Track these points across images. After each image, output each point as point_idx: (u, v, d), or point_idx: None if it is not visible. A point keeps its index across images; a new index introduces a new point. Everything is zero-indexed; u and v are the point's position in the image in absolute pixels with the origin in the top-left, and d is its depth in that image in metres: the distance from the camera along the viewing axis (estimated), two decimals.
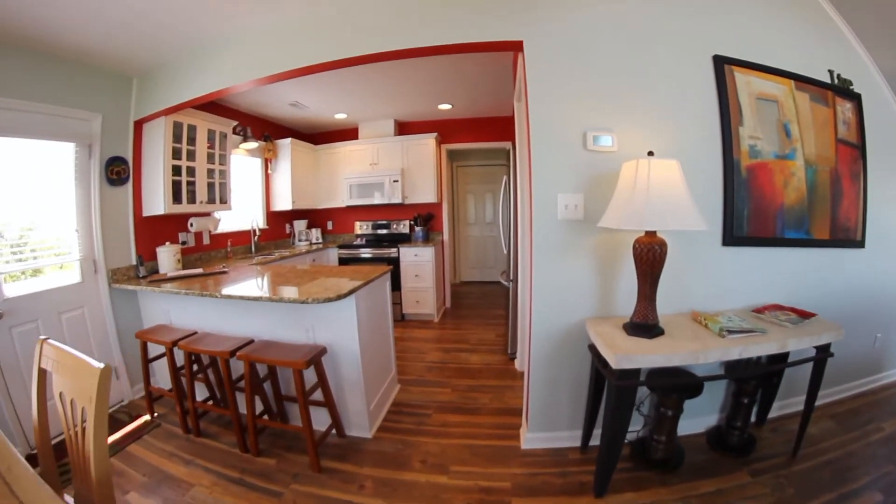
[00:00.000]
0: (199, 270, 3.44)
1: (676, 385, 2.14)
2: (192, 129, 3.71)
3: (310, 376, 2.45)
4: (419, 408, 2.98)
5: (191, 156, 3.73)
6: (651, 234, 1.92)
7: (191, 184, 3.75)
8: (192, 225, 3.98)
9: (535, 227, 2.16)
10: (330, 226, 6.26)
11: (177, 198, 3.63)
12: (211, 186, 3.96)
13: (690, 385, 2.14)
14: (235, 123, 4.21)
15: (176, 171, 3.60)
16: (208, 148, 3.92)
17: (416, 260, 5.03)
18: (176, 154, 3.59)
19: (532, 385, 2.39)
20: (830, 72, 2.54)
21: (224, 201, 4.11)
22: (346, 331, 2.44)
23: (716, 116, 2.25)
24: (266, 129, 5.26)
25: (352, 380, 2.54)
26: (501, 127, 5.58)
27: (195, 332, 2.82)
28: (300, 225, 5.72)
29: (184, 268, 3.76)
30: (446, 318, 5.30)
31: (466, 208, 7.72)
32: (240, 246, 4.78)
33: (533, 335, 2.28)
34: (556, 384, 2.39)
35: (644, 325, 1.98)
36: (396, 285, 5.12)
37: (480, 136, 5.66)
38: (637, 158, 1.84)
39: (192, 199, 3.75)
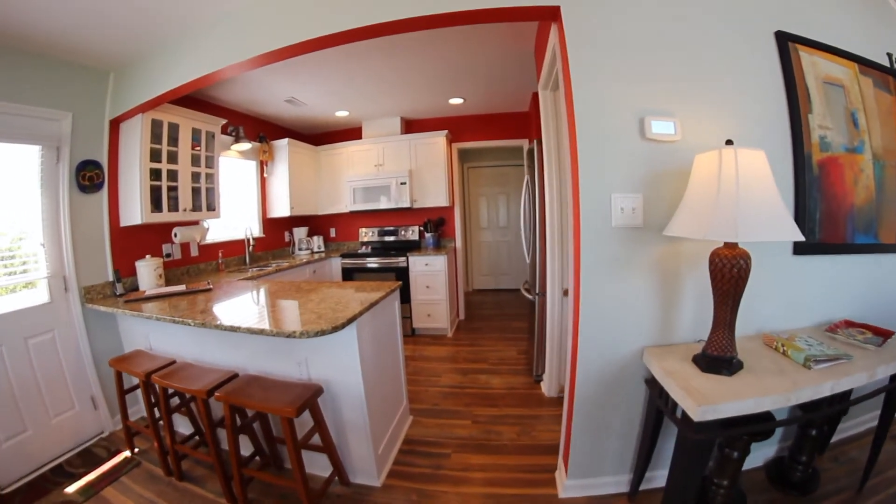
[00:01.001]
0: (182, 288, 3.09)
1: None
2: (173, 127, 3.39)
3: (305, 418, 2.09)
4: (435, 446, 2.60)
5: (172, 158, 3.41)
6: (732, 246, 1.53)
7: (172, 189, 3.43)
8: (175, 235, 3.66)
9: (583, 238, 1.77)
10: (333, 233, 5.91)
11: (156, 205, 3.31)
12: (196, 192, 3.64)
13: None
14: (224, 122, 3.88)
15: (155, 175, 3.29)
16: (193, 149, 3.59)
17: (427, 270, 4.67)
18: (155, 156, 3.28)
19: (575, 426, 2.01)
20: (889, 55, 2.17)
21: (212, 208, 3.78)
22: (346, 365, 2.07)
23: (782, 102, 1.87)
24: (261, 130, 4.94)
25: (355, 423, 2.16)
26: (517, 123, 5.22)
27: (173, 362, 2.48)
28: (300, 233, 5.38)
29: (167, 283, 3.46)
30: (461, 331, 4.92)
31: (479, 212, 7.34)
32: (233, 257, 4.45)
33: (578, 368, 1.89)
34: (604, 424, 2.01)
35: (722, 360, 1.60)
36: (406, 297, 4.76)
37: (494, 133, 5.29)
38: (717, 149, 1.45)
39: (174, 207, 3.43)
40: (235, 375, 2.21)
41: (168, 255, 3.74)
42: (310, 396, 1.88)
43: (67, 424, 2.78)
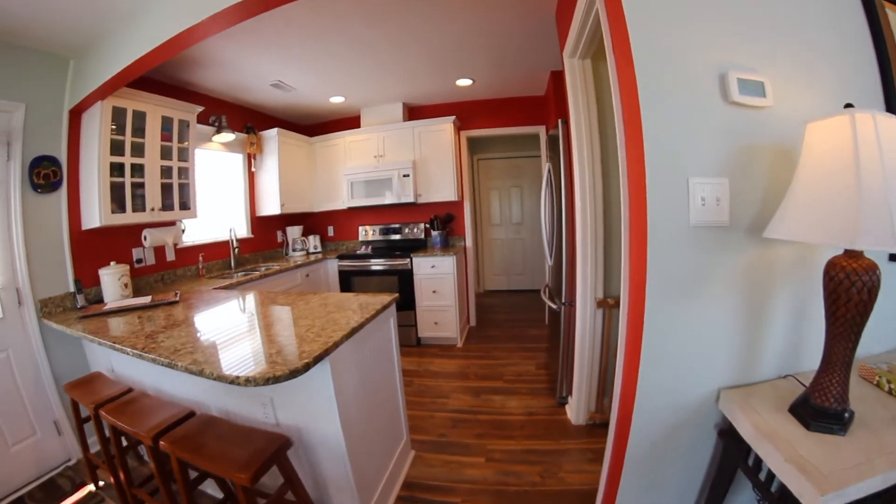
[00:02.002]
0: (146, 300, 2.73)
1: None
2: (139, 116, 3.03)
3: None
4: (441, 492, 2.19)
5: (138, 150, 3.05)
6: (855, 254, 1.09)
7: (138, 186, 3.07)
8: (145, 238, 3.30)
9: (651, 242, 1.31)
10: (331, 232, 5.52)
11: (119, 205, 2.97)
12: (167, 189, 3.27)
13: None
14: (201, 109, 3.49)
15: (117, 170, 2.93)
16: (163, 140, 3.22)
17: (434, 273, 4.25)
18: (117, 149, 2.93)
19: (624, 480, 1.58)
20: None
21: (186, 207, 3.41)
22: (320, 410, 1.65)
23: (872, 65, 1.40)
24: (249, 120, 4.55)
25: (337, 476, 1.74)
26: (532, 108, 4.76)
27: (130, 390, 2.13)
28: (294, 232, 5.00)
29: (135, 293, 3.12)
30: (472, 341, 4.50)
31: (490, 207, 6.91)
32: (216, 261, 4.07)
33: (635, 412, 1.45)
34: (659, 481, 1.58)
35: (833, 412, 1.16)
36: (410, 303, 4.35)
37: (507, 119, 4.84)
38: (847, 113, 1.01)
39: (139, 206, 3.08)
40: (192, 414, 1.82)
41: (139, 261, 3.40)
42: (274, 452, 1.47)
43: (28, 453, 2.54)
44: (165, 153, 3.25)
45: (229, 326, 1.97)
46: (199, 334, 1.89)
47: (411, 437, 2.59)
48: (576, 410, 2.72)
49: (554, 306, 2.82)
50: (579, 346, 2.56)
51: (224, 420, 1.76)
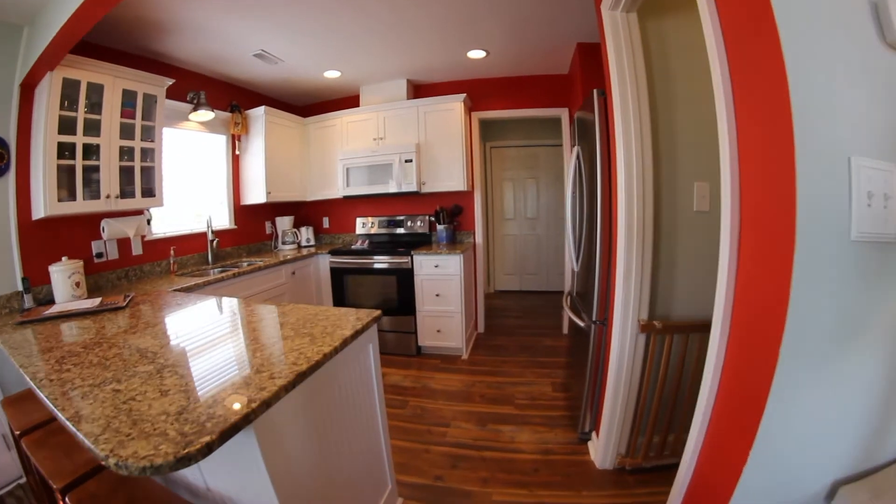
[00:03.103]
0: (93, 303, 2.33)
1: None
2: (95, 89, 2.63)
3: None
4: None
5: (93, 129, 2.65)
6: None
7: (92, 170, 2.68)
8: (104, 230, 2.90)
9: (798, 269, 0.80)
10: (326, 223, 5.07)
11: (69, 192, 2.60)
12: (127, 172, 2.85)
13: None
14: (171, 81, 3.05)
15: (69, 151, 2.55)
16: (124, 117, 2.80)
17: (438, 273, 3.78)
18: (67, 127, 2.55)
19: None
20: None
21: (150, 194, 2.99)
22: (251, 481, 1.18)
23: None
24: (235, 97, 4.10)
25: None
26: (553, 88, 4.24)
27: (54, 419, 1.71)
28: (283, 223, 4.56)
29: (90, 293, 2.74)
30: (479, 350, 4.04)
31: (503, 200, 6.41)
32: (192, 255, 3.65)
33: None
34: None
35: None
36: (410, 308, 3.90)
37: (524, 100, 4.32)
38: None
39: (93, 193, 2.68)
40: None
41: (99, 256, 3.01)
42: None
43: None
44: (126, 132, 2.83)
45: (154, 352, 1.52)
46: (108, 366, 1.44)
47: (400, 480, 2.15)
48: (602, 451, 2.25)
49: (581, 323, 2.34)
50: (613, 377, 2.08)
51: (147, 478, 1.32)
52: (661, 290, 2.00)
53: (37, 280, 2.57)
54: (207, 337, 1.66)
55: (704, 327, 1.89)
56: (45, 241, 2.66)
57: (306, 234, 4.70)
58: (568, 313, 2.62)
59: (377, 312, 1.74)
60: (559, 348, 3.98)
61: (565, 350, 3.87)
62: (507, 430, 2.66)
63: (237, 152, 4.11)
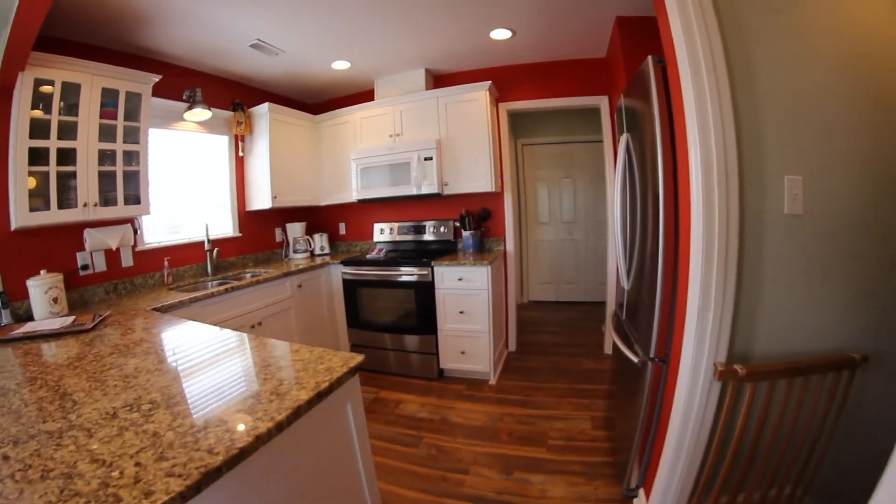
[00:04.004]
0: (63, 323, 2.11)
1: None
2: (72, 89, 2.40)
3: None
4: None
5: (68, 132, 2.41)
6: None
7: (68, 177, 2.45)
8: (87, 241, 2.67)
9: None
10: (343, 229, 4.74)
11: (43, 201, 2.38)
12: (108, 178, 2.61)
13: None
14: (157, 78, 2.79)
15: (44, 158, 2.34)
16: (105, 118, 2.55)
17: (462, 287, 3.36)
18: (40, 131, 2.31)
19: None
20: None
21: (133, 201, 2.73)
22: None
23: None
24: (238, 95, 3.83)
25: None
26: (590, 74, 3.75)
27: None
28: (295, 230, 4.25)
29: (71, 309, 2.52)
30: (509, 373, 3.58)
31: (537, 202, 5.93)
32: (191, 266, 3.38)
33: None
34: None
35: None
36: (431, 325, 3.49)
37: (557, 88, 3.85)
38: None
39: (68, 202, 2.45)
40: None
41: (85, 268, 2.78)
42: None
43: None
44: (107, 134, 2.58)
45: (76, 402, 1.17)
46: (20, 417, 1.10)
47: None
48: None
49: (634, 358, 1.86)
50: (676, 432, 1.60)
51: None
52: (742, 319, 1.51)
53: (17, 295, 2.38)
54: (138, 388, 1.29)
55: (801, 370, 1.42)
56: (25, 252, 2.47)
57: (320, 241, 4.38)
58: (615, 341, 2.15)
59: (357, 359, 1.31)
60: (601, 373, 3.48)
61: (608, 375, 3.37)
62: (537, 480, 2.20)
63: (241, 154, 3.83)
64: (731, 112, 1.40)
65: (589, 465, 2.31)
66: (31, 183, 2.34)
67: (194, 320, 2.58)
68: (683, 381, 1.52)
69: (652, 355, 1.73)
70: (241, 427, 0.95)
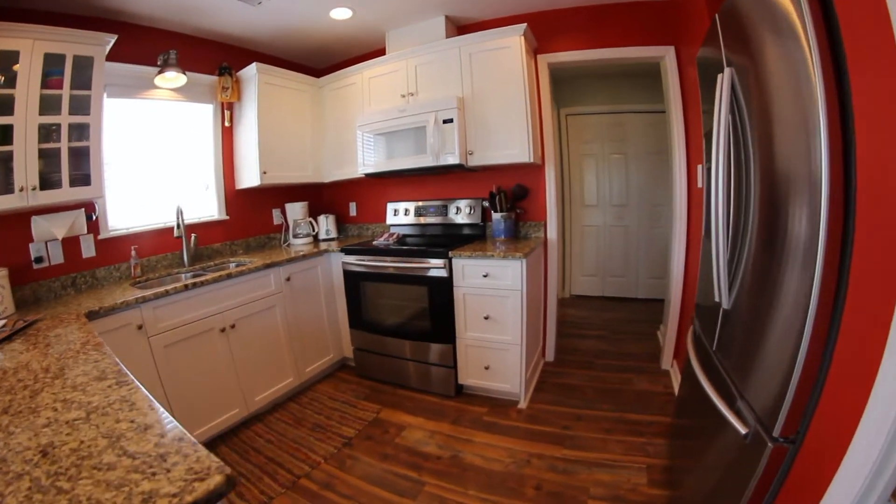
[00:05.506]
0: None
1: None
2: (7, 58, 2.00)
3: None
4: None
5: (3, 107, 2.01)
6: None
7: (6, 159, 2.05)
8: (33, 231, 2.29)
9: None
10: (353, 210, 4.19)
11: None
12: (50, 157, 2.19)
13: None
14: (113, 38, 2.33)
15: None
16: (49, 88, 2.12)
17: (488, 285, 2.74)
18: None
19: None
20: None
21: (83, 181, 2.30)
22: None
23: None
24: (228, 59, 3.28)
25: None
26: (652, 18, 2.96)
27: None
28: (295, 210, 3.72)
29: (21, 307, 2.24)
30: (543, 393, 2.95)
31: (582, 181, 5.17)
32: (165, 254, 2.93)
33: None
34: None
35: None
36: (448, 333, 2.90)
37: (608, 38, 3.08)
38: None
39: (8, 187, 2.06)
40: None
41: (39, 260, 2.40)
42: None
43: None
44: (50, 106, 2.14)
45: None
46: None
47: None
48: None
49: (740, 427, 1.18)
50: None
51: None
52: None
53: None
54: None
55: None
56: None
57: (326, 224, 3.85)
58: (700, 379, 1.47)
59: (215, 481, 0.71)
60: (658, 398, 2.79)
61: (669, 403, 2.69)
62: None
63: (228, 124, 3.31)
64: None
65: None
66: None
67: (142, 326, 2.13)
68: (846, 492, 0.85)
69: (776, 433, 1.06)
70: None
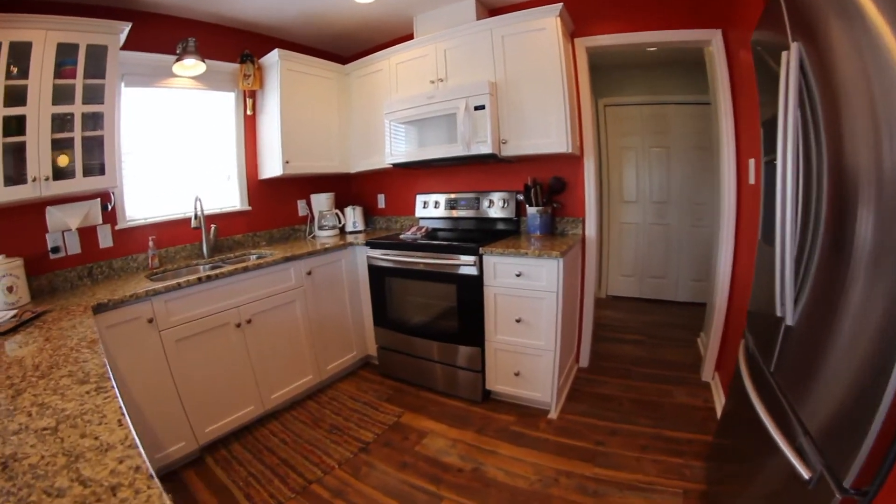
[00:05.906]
0: (3, 318, 1.73)
1: None
2: (20, 49, 1.95)
3: None
4: None
5: (17, 98, 1.97)
6: None
7: (15, 149, 2.01)
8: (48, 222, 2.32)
9: None
10: (382, 202, 4.07)
11: None
12: (64, 146, 2.14)
13: None
14: (127, 26, 2.29)
15: None
16: (62, 78, 2.09)
17: (521, 285, 2.56)
18: None
19: None
20: None
21: (96, 171, 2.25)
22: None
23: None
24: (252, 47, 3.18)
25: None
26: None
27: None
28: (321, 202, 3.61)
29: (36, 297, 2.21)
30: (576, 402, 2.75)
31: (622, 176, 4.89)
32: (185, 245, 2.88)
33: None
34: None
35: None
36: (476, 336, 2.73)
37: (650, 20, 2.80)
38: None
39: (18, 177, 2.02)
40: None
41: (56, 250, 2.37)
42: None
43: None
44: (63, 95, 2.10)
45: None
46: None
47: None
48: None
49: (803, 472, 0.96)
50: None
51: None
52: None
53: None
54: None
55: None
56: None
57: (353, 216, 3.74)
58: (755, 403, 1.26)
59: None
60: (698, 413, 2.54)
61: (710, 420, 2.45)
62: None
63: (251, 113, 3.23)
64: None
65: None
66: None
67: (152, 319, 2.06)
68: None
69: (847, 484, 0.85)
70: None
